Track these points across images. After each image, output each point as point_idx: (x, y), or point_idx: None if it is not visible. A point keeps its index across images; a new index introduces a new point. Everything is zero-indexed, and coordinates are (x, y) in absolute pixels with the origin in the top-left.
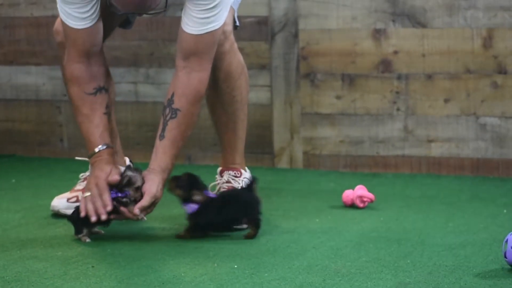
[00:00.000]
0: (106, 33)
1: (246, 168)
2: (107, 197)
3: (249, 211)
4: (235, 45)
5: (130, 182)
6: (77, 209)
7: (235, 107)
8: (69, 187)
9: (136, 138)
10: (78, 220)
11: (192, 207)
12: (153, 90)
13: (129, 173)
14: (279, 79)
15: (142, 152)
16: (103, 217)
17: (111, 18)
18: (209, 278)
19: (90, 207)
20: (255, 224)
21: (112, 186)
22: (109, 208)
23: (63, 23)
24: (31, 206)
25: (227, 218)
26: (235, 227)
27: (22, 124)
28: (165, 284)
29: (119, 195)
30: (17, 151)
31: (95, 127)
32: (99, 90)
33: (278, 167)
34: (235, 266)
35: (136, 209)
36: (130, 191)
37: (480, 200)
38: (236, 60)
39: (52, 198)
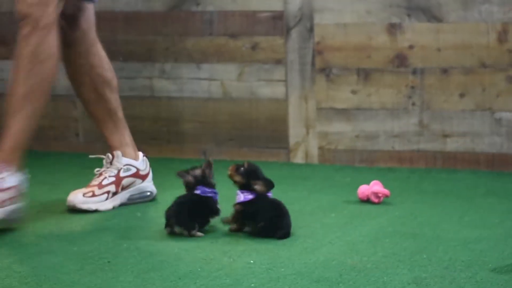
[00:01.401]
0: None
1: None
2: None
3: (284, 228)
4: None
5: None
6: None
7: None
8: (85, 182)
9: (151, 133)
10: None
11: (246, 196)
12: (168, 85)
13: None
14: (295, 74)
15: (157, 147)
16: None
17: None
18: (225, 273)
19: None
20: (270, 232)
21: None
22: None
23: None
24: (47, 201)
25: (269, 221)
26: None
27: None
28: (181, 279)
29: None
30: (32, 146)
31: None
32: None
33: (293, 162)
34: (251, 261)
35: None
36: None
37: (495, 195)
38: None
39: (68, 193)
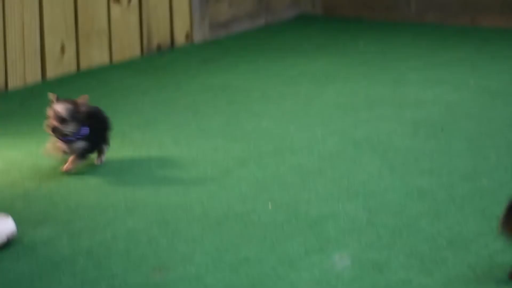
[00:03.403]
0: None
1: None
2: None
3: None
4: None
5: None
6: None
7: None
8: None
9: (484, 2)
10: None
11: None
12: None
13: None
14: None
15: (490, 16)
16: None
17: None
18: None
19: None
20: None
21: None
22: None
23: None
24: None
25: None
26: None
27: None
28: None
29: None
30: (365, 15)
31: None
32: None
33: None
34: None
35: None
36: None
37: None
38: None
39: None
